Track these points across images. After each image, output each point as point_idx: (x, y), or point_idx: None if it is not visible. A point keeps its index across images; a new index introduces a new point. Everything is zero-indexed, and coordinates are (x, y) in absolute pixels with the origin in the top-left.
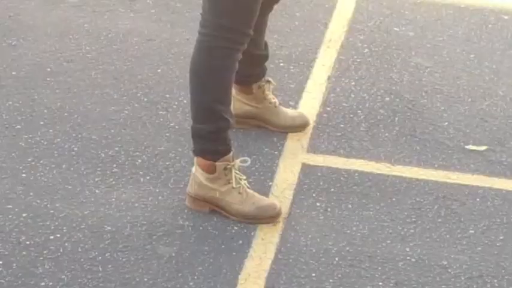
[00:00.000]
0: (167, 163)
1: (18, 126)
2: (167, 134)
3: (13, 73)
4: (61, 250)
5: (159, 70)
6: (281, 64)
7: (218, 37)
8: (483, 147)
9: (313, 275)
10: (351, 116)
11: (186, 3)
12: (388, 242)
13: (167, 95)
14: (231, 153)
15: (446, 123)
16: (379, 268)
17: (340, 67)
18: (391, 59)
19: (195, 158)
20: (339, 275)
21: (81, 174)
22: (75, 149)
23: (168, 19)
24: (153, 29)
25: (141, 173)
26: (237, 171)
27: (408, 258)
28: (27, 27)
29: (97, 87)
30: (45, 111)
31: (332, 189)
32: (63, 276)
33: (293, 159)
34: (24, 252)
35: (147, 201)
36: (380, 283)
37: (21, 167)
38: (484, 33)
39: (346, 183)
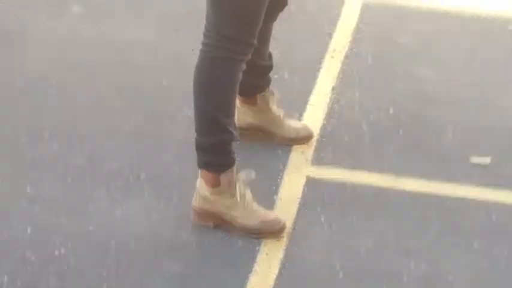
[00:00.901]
0: (171, 176)
1: (23, 139)
2: (172, 147)
3: (17, 84)
4: (66, 265)
5: (163, 82)
6: (285, 75)
7: (221, 47)
8: (488, 160)
9: None
10: (355, 127)
11: (190, 14)
12: (393, 256)
13: (172, 107)
14: (235, 166)
15: (451, 134)
16: (384, 283)
17: (344, 78)
18: (395, 69)
19: (200, 171)
20: None
21: (85, 188)
22: (80, 162)
23: (172, 30)
24: (158, 40)
25: (145, 186)
26: (241, 185)
27: (413, 272)
28: (32, 38)
29: (102, 99)
30: (50, 123)
31: (336, 203)
32: None
33: (297, 173)
34: (28, 268)
35: (152, 216)
36: None
37: (25, 181)
38: (488, 43)
39: (351, 196)
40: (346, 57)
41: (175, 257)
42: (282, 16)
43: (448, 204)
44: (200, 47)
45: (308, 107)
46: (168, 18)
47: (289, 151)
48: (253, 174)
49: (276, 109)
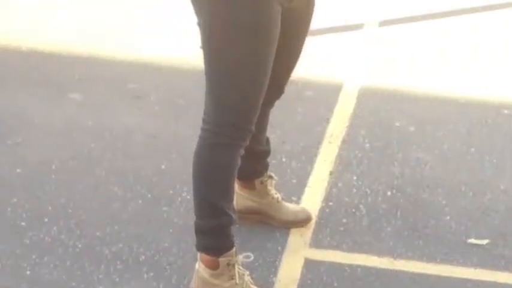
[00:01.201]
0: (170, 259)
1: (23, 223)
2: (170, 230)
3: (18, 171)
4: None
5: (162, 166)
6: (283, 159)
7: (220, 133)
8: (485, 241)
9: None
10: (353, 210)
11: (189, 100)
12: None
13: (171, 191)
14: (234, 248)
15: (448, 217)
16: None
17: (342, 162)
18: (392, 153)
19: (199, 254)
20: None
21: (85, 271)
22: (79, 245)
23: (171, 116)
24: (157, 126)
25: (144, 269)
26: (240, 267)
27: None
28: (32, 125)
29: (101, 184)
30: (50, 208)
31: (335, 284)
32: None
33: (296, 255)
34: None
35: None
36: None
37: (25, 264)
38: (484, 127)
39: (349, 278)
40: (344, 142)
41: None
42: (280, 102)
43: (446, 285)
44: (199, 132)
45: (306, 190)
46: (167, 104)
47: (288, 234)
48: (252, 257)
49: (274, 193)
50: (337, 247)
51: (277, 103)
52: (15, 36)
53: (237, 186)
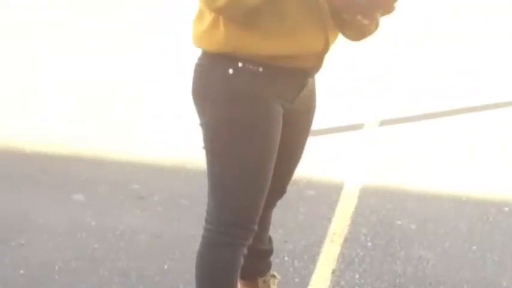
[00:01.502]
0: None
1: None
2: None
3: (21, 272)
4: None
5: (165, 266)
6: (286, 258)
7: (223, 233)
8: None
9: None
10: None
11: (192, 200)
12: None
13: None
14: None
15: None
16: None
17: (344, 261)
18: (394, 251)
19: None
20: None
21: None
22: None
23: (174, 216)
24: (160, 226)
25: None
26: None
27: None
28: (36, 226)
29: (104, 284)
30: None
31: None
32: None
33: None
34: None
35: None
36: None
37: None
38: (485, 225)
39: None
40: (346, 240)
41: None
42: (282, 202)
43: None
44: (202, 232)
45: None
46: (170, 204)
47: None
48: None
49: None
50: None
51: (279, 202)
52: (19, 138)
53: (239, 285)
